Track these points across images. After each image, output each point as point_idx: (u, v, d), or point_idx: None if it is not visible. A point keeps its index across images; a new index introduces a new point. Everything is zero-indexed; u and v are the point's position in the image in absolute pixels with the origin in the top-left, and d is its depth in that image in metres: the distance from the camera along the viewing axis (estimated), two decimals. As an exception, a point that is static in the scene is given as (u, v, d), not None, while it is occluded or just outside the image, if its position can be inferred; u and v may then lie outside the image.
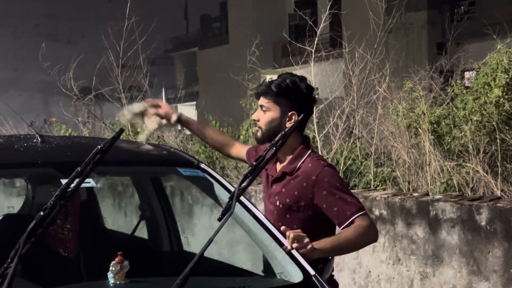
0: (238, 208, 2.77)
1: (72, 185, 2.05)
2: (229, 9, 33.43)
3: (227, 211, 2.28)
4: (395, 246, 5.19)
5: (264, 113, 3.04)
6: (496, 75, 6.28)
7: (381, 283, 5.34)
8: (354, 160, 7.53)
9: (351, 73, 8.21)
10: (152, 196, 3.58)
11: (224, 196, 2.92)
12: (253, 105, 8.31)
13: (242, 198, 2.79)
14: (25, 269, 2.38)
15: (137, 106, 3.22)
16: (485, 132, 6.29)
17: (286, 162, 3.04)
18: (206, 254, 2.88)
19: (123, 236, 3.83)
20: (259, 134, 3.07)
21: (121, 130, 2.17)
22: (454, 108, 6.95)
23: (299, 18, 24.05)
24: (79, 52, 11.72)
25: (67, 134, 10.07)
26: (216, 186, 2.96)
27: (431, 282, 4.99)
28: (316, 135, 7.42)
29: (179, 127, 3.59)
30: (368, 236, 2.90)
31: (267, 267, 2.79)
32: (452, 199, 4.86)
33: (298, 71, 8.91)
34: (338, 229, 2.98)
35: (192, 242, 3.63)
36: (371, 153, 7.35)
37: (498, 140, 6.16)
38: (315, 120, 7.50)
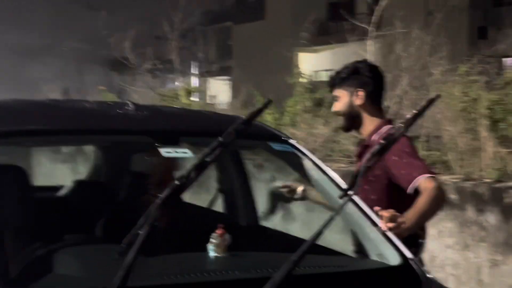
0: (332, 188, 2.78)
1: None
2: (265, -16, 33.04)
3: (350, 189, 2.17)
4: (463, 232, 5.00)
5: (338, 102, 3.29)
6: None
7: (446, 268, 5.17)
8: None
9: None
10: (231, 169, 3.60)
11: (312, 171, 2.92)
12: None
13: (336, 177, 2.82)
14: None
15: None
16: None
17: (367, 135, 3.24)
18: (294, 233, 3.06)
19: (201, 210, 3.82)
20: (342, 123, 3.32)
21: (269, 101, 2.15)
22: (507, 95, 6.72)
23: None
24: (114, 23, 11.68)
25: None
26: (306, 162, 2.95)
27: (501, 270, 4.82)
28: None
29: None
30: (439, 197, 2.92)
31: (361, 249, 2.72)
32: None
33: (336, 49, 8.73)
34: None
35: (272, 218, 3.60)
36: (419, 136, 7.13)
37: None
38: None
